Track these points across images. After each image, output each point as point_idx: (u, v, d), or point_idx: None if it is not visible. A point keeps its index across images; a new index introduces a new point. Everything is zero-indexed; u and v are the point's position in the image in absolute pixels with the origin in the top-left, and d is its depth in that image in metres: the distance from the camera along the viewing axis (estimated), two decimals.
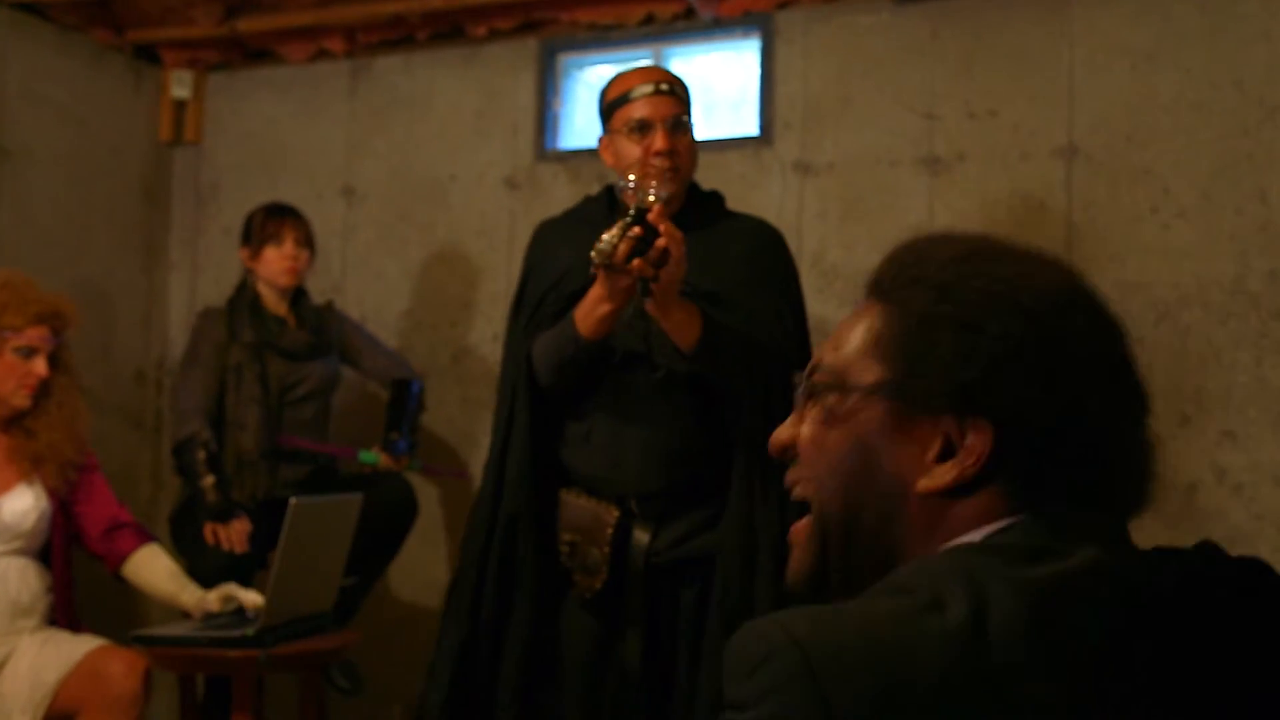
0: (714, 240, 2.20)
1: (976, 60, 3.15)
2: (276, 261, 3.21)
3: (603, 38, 3.53)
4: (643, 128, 2.16)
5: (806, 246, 3.27)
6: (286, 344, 3.21)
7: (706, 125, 3.56)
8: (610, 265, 1.93)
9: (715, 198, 2.34)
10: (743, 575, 2.07)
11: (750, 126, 3.40)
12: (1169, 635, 0.77)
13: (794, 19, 3.33)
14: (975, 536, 0.83)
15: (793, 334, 2.22)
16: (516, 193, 3.60)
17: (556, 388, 2.18)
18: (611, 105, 2.22)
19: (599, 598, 2.13)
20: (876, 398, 0.87)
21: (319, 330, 3.28)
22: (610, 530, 2.11)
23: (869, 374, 0.88)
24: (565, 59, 3.62)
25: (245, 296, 3.25)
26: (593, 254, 1.93)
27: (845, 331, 0.91)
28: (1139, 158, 2.99)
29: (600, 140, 2.28)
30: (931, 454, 0.85)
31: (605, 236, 1.92)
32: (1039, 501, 0.83)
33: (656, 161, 2.13)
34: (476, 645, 2.19)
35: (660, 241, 1.90)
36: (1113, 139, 3.02)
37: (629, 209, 1.94)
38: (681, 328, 2.02)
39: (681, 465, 2.13)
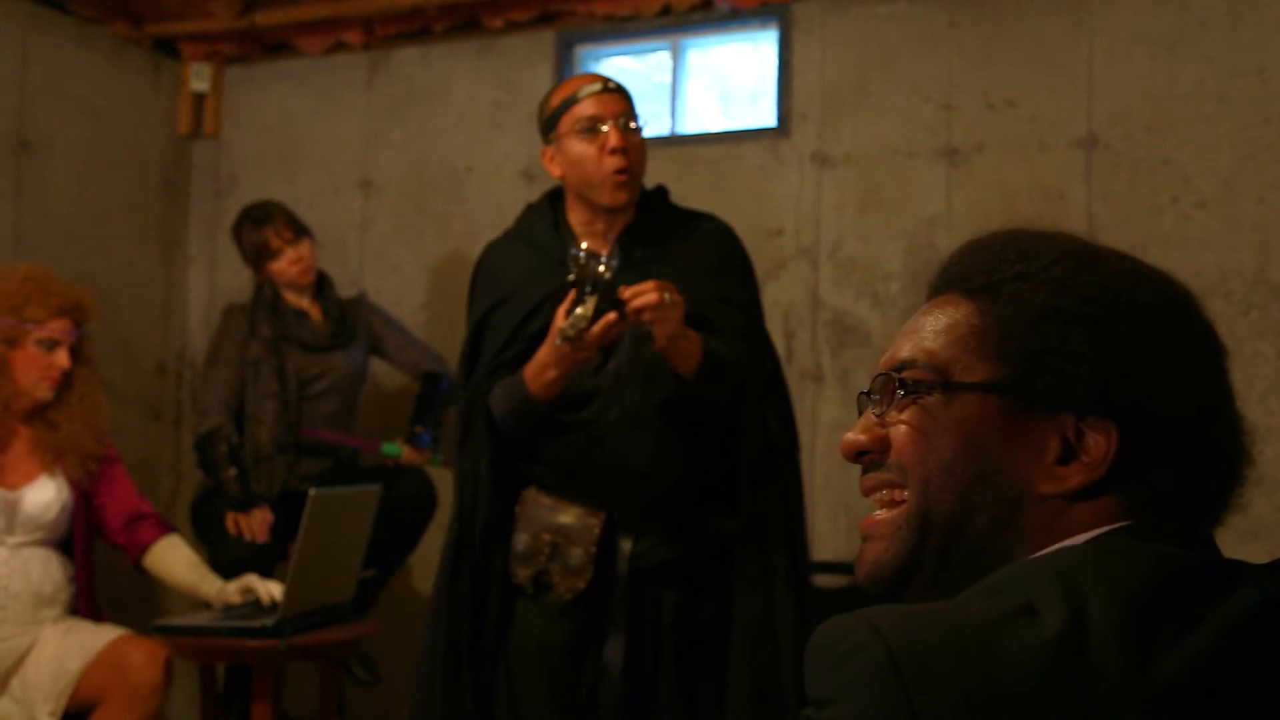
0: (672, 253, 2.15)
1: (995, 50, 3.14)
2: (284, 271, 3.21)
3: (619, 29, 3.53)
4: (593, 126, 2.08)
5: (824, 238, 3.26)
6: (305, 336, 3.22)
7: (724, 116, 3.55)
8: (576, 343, 1.91)
9: (660, 195, 2.26)
10: (763, 592, 2.07)
11: (767, 118, 3.39)
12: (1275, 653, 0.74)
13: (811, 10, 3.32)
14: (1081, 539, 0.80)
15: (762, 346, 2.20)
16: (533, 184, 3.60)
17: (516, 435, 2.14)
18: (557, 110, 2.14)
19: (580, 599, 2.10)
20: (990, 396, 0.83)
21: (341, 321, 3.28)
22: (597, 531, 2.09)
23: (977, 371, 0.84)
24: (582, 50, 3.62)
25: (266, 291, 3.26)
26: (563, 327, 1.90)
27: (928, 328, 0.87)
28: (1159, 147, 2.97)
29: (544, 152, 2.18)
30: (1051, 455, 0.81)
31: (578, 311, 1.90)
32: (1157, 505, 0.81)
33: (610, 162, 2.06)
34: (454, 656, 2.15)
35: (611, 319, 1.90)
36: (1133, 129, 3.00)
37: (586, 283, 1.91)
38: (685, 358, 2.00)
39: (657, 483, 2.12)
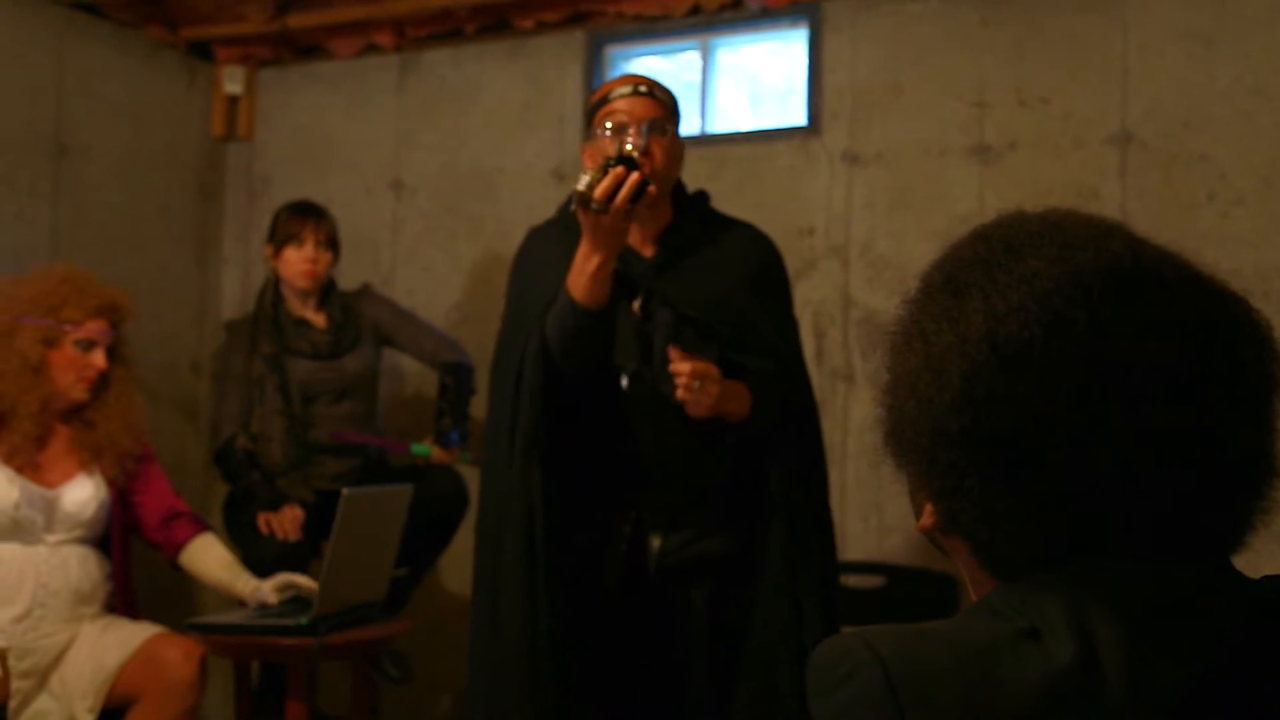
0: (710, 258, 2.17)
1: (1027, 47, 3.11)
2: (296, 263, 3.20)
3: (650, 29, 3.53)
4: (619, 129, 2.11)
5: (855, 237, 3.24)
6: (306, 347, 3.20)
7: (753, 116, 3.55)
8: (588, 203, 1.90)
9: (701, 200, 2.29)
10: (789, 600, 2.11)
11: (798, 117, 3.38)
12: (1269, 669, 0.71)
13: (842, 8, 3.30)
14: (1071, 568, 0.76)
15: (798, 355, 2.26)
16: (564, 185, 3.60)
17: (571, 372, 2.12)
18: (593, 109, 2.19)
19: (610, 598, 2.14)
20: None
21: (345, 325, 3.26)
22: (628, 529, 2.12)
23: None
24: (612, 51, 3.62)
25: (266, 302, 3.25)
26: (574, 192, 1.91)
27: None
28: (1195, 144, 2.94)
29: (583, 148, 2.25)
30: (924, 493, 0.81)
31: (584, 177, 1.91)
32: (995, 566, 0.78)
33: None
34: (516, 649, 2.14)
35: (635, 177, 1.90)
36: (1168, 125, 2.96)
37: (608, 157, 1.93)
38: (733, 414, 2.06)
39: (688, 480, 2.14)
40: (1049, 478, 0.73)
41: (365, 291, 3.40)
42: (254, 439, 3.16)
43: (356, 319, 3.29)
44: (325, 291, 3.28)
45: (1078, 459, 0.72)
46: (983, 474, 0.74)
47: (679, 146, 2.19)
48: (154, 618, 2.80)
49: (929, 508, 0.80)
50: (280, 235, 3.23)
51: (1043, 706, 0.68)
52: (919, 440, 0.77)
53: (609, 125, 2.12)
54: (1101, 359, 0.73)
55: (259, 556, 2.94)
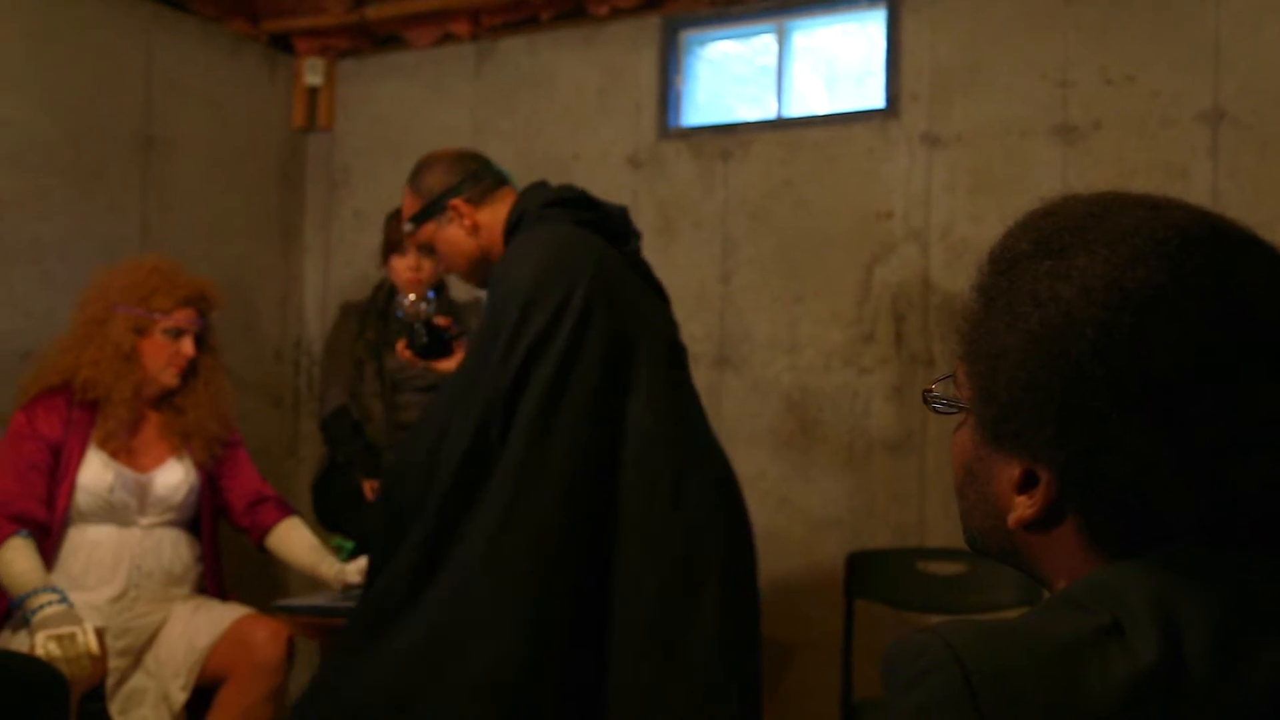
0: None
1: (1113, 23, 3.03)
2: (401, 272, 3.21)
3: (725, 13, 3.51)
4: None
5: (935, 220, 3.20)
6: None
7: (829, 99, 3.51)
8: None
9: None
10: None
11: (876, 99, 3.34)
12: None
13: None
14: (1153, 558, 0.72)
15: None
16: (640, 171, 3.61)
17: None
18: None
19: None
20: (970, 415, 0.79)
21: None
22: None
23: (965, 386, 0.80)
24: (687, 36, 3.61)
25: (380, 294, 3.31)
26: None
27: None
28: None
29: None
30: (1013, 483, 0.77)
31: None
32: (1124, 539, 0.74)
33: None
34: None
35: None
36: (1263, 101, 2.87)
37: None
38: None
39: None
40: (1199, 419, 0.71)
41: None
42: (361, 410, 3.24)
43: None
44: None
45: (1220, 399, 0.71)
46: (1131, 419, 0.71)
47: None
48: (242, 599, 2.87)
49: (1019, 500, 0.77)
50: (386, 244, 3.26)
51: (1126, 708, 0.66)
52: (1044, 407, 0.73)
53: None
54: (1226, 298, 0.72)
55: (359, 530, 2.99)
